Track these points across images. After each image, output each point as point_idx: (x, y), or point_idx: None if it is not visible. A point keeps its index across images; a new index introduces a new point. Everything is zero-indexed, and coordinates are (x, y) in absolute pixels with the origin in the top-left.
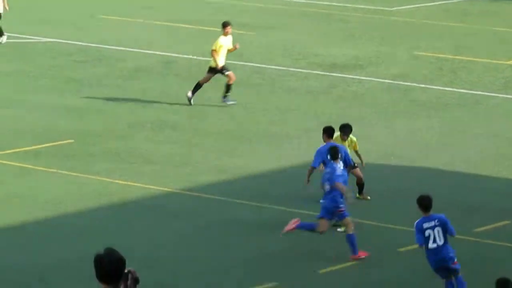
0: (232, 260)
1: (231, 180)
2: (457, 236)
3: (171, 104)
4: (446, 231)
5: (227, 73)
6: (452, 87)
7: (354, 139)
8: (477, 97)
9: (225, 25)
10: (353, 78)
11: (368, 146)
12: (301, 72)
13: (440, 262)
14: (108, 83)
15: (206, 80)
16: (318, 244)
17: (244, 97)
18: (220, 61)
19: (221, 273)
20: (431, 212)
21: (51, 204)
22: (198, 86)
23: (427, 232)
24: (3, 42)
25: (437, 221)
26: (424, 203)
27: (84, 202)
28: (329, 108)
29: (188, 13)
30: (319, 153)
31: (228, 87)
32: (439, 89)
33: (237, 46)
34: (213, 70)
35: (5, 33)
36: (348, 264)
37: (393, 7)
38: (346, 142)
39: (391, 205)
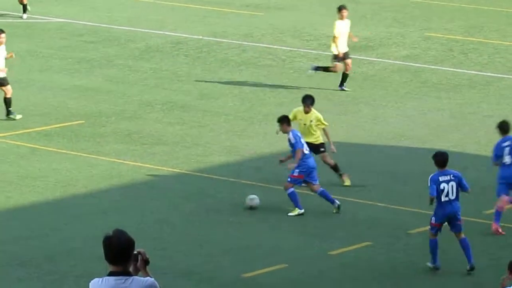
0: (243, 241)
1: (241, 161)
2: (466, 218)
3: (181, 84)
4: (460, 186)
5: (336, 62)
6: (463, 69)
7: (320, 116)
8: (488, 79)
9: (340, 8)
10: (363, 59)
11: (378, 127)
12: (311, 53)
13: (448, 216)
14: (119, 64)
15: (339, 68)
16: (328, 225)
17: (254, 78)
18: (341, 48)
19: (232, 254)
20: (446, 168)
21: (61, 185)
22: (326, 70)
23: (442, 185)
24: (23, 18)
25: (453, 176)
26: (441, 159)
27: (95, 183)
28: (339, 90)
29: None
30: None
31: (344, 76)
32: (449, 70)
33: (355, 39)
34: (337, 57)
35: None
36: (359, 245)
37: None
38: (310, 115)
39: (401, 187)
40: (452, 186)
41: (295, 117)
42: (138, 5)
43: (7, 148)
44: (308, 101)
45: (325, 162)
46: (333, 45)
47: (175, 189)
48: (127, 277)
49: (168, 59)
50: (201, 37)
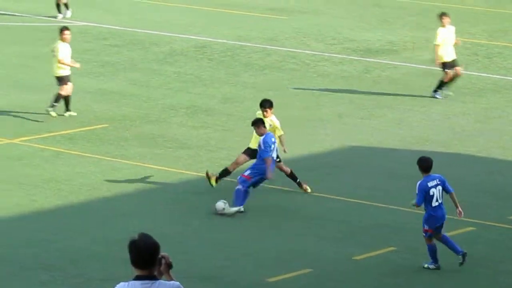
0: (265, 245)
1: None
2: (491, 223)
3: (205, 88)
4: (444, 189)
5: (447, 70)
6: (487, 73)
7: (276, 123)
8: None
9: (441, 15)
10: (387, 63)
11: (402, 131)
12: (335, 57)
13: (441, 219)
14: (143, 67)
15: (450, 77)
16: (352, 230)
17: (278, 82)
18: (446, 56)
19: (254, 258)
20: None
21: (85, 188)
22: (442, 84)
23: (431, 191)
24: (66, 16)
25: (438, 180)
26: (426, 165)
27: (119, 187)
28: (363, 93)
29: None
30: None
31: (441, 83)
32: (474, 75)
33: (459, 42)
34: (446, 65)
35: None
36: (384, 250)
37: None
38: (268, 120)
39: None
40: (439, 190)
41: None
42: (162, 9)
43: (31, 151)
44: (266, 104)
45: (281, 169)
46: (437, 53)
47: (198, 193)
48: (153, 281)
49: (192, 63)
50: (225, 40)
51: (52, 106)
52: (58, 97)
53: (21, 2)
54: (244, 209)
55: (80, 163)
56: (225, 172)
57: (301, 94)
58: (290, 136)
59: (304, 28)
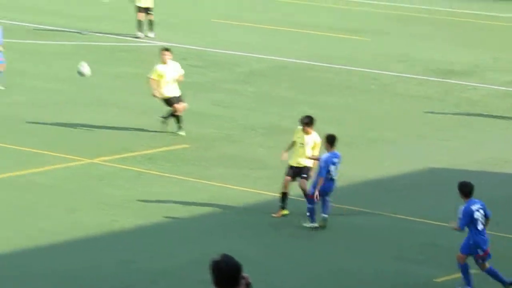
0: (347, 266)
1: (345, 186)
2: None
3: (284, 109)
4: (484, 214)
5: None
6: None
7: (318, 141)
8: None
9: None
10: (467, 85)
11: (482, 153)
12: (416, 78)
13: (487, 243)
14: (223, 88)
15: None
16: (430, 251)
17: (358, 103)
18: None
19: (337, 280)
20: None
21: (165, 208)
22: None
23: (476, 214)
24: (150, 36)
25: (480, 205)
26: (467, 190)
27: (199, 208)
28: (443, 114)
29: (300, 17)
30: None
31: None
32: None
33: None
34: None
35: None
36: None
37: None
38: (309, 137)
39: (505, 213)
40: (481, 214)
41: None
42: (241, 30)
43: (113, 171)
44: (306, 121)
45: (301, 187)
46: None
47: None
48: None
49: (271, 83)
50: (304, 61)
51: (164, 118)
52: (171, 113)
53: (102, 22)
54: (324, 229)
55: (160, 184)
56: (284, 197)
57: (380, 115)
58: (367, 157)
59: (384, 49)
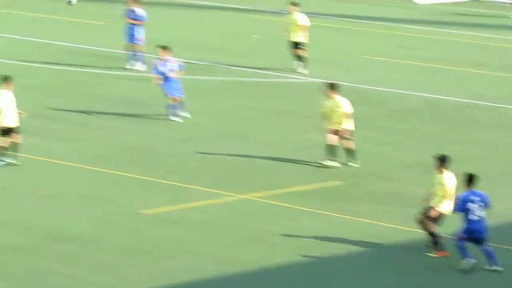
0: None
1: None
2: None
3: (436, 146)
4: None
5: None
6: None
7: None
8: None
9: None
10: None
11: None
12: None
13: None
14: (375, 125)
15: None
16: None
17: (506, 140)
18: None
19: None
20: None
21: (317, 245)
22: None
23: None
24: (302, 71)
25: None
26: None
27: (351, 245)
28: None
29: (444, 53)
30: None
31: None
32: None
33: None
34: None
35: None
36: None
37: None
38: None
39: None
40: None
41: None
42: (390, 66)
43: (264, 207)
44: (441, 161)
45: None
46: None
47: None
48: None
49: (425, 120)
50: (456, 98)
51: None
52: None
53: (254, 56)
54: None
55: (311, 220)
56: (436, 238)
57: None
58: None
59: None
